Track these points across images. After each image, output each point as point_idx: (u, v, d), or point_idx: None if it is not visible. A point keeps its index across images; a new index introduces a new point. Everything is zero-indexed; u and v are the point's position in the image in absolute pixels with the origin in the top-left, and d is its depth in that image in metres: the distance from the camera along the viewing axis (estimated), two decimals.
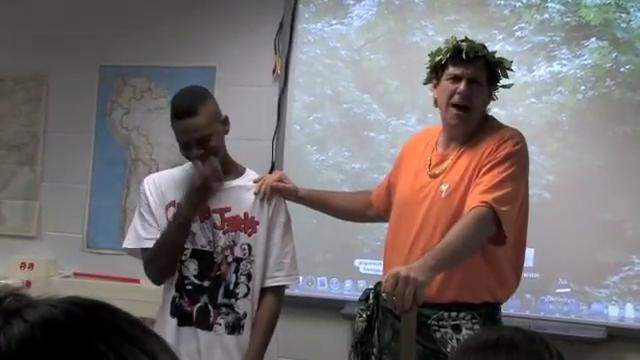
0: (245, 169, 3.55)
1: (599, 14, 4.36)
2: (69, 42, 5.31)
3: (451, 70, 3.25)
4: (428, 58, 3.38)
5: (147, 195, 3.46)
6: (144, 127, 5.17)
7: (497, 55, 3.38)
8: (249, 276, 3.39)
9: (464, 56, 3.22)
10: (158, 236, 3.39)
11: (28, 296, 0.77)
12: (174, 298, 3.41)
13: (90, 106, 5.27)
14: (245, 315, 3.39)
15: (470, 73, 3.23)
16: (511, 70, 3.39)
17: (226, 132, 3.40)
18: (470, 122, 3.27)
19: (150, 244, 3.42)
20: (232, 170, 3.50)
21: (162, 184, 3.48)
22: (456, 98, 3.22)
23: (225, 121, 3.38)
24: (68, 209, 5.26)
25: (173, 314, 3.40)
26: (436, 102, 3.37)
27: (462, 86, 3.21)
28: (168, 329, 3.34)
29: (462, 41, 3.28)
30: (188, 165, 3.55)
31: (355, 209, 3.75)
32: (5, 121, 5.44)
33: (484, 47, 3.32)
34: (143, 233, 3.45)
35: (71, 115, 5.30)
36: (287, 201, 3.58)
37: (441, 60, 3.27)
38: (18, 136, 5.41)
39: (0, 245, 5.31)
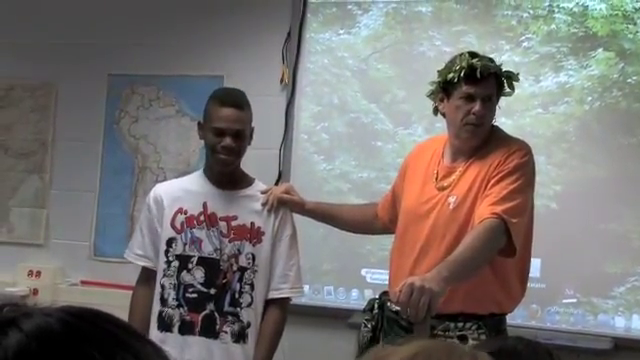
0: (254, 179, 3.57)
1: (606, 25, 4.36)
2: (78, 51, 5.32)
3: (465, 89, 3.21)
4: (435, 69, 3.36)
5: (151, 207, 3.52)
6: (152, 135, 5.18)
7: (503, 66, 3.38)
8: (252, 286, 3.41)
9: (479, 75, 3.21)
10: (151, 254, 3.49)
11: (25, 305, 0.78)
12: (160, 312, 3.44)
13: (98, 114, 5.28)
14: (249, 324, 3.40)
15: (484, 92, 3.21)
16: (517, 81, 3.38)
17: (249, 143, 3.47)
18: (481, 136, 3.27)
19: (142, 262, 3.53)
20: (241, 180, 3.53)
21: (169, 193, 3.52)
22: (472, 118, 3.20)
23: (251, 132, 3.45)
24: (76, 217, 5.27)
25: (160, 328, 3.43)
26: (436, 110, 3.36)
27: (478, 106, 3.19)
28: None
29: (472, 57, 3.24)
30: (195, 174, 3.60)
31: (362, 222, 3.75)
32: (14, 129, 5.46)
33: (492, 61, 3.31)
34: (138, 250, 3.55)
35: (79, 123, 5.32)
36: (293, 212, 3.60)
37: (453, 78, 3.25)
38: (27, 144, 5.43)
39: (8, 253, 5.32)
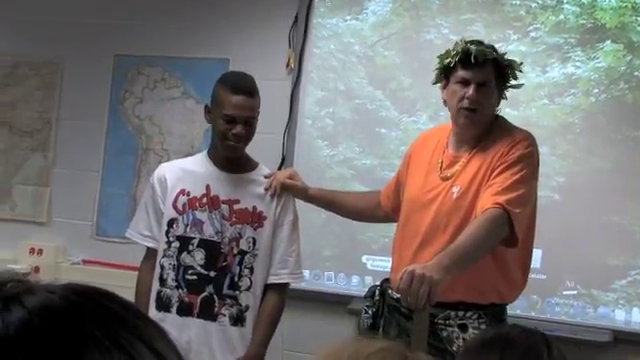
0: (258, 164, 3.58)
1: (615, 17, 4.35)
2: (85, 30, 5.32)
3: (460, 74, 3.23)
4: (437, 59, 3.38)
5: (155, 187, 3.51)
6: (157, 117, 5.18)
7: (510, 56, 3.37)
8: (252, 270, 3.42)
9: (473, 60, 3.21)
10: (157, 235, 3.48)
11: (28, 282, 0.78)
12: (159, 292, 3.44)
13: (103, 94, 5.28)
14: (247, 308, 3.41)
15: (479, 77, 3.22)
16: (521, 72, 3.38)
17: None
18: (479, 124, 3.26)
19: (149, 242, 3.53)
20: (245, 163, 3.54)
21: (173, 174, 3.52)
22: (465, 102, 3.21)
23: (257, 116, 3.46)
24: (79, 196, 5.28)
25: (159, 308, 3.43)
26: (446, 102, 3.37)
27: (471, 91, 3.20)
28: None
29: (471, 43, 3.26)
30: (199, 156, 3.61)
31: (364, 209, 3.75)
32: (19, 107, 5.46)
33: (494, 49, 3.30)
34: (145, 230, 3.54)
35: (84, 103, 5.32)
36: (296, 198, 3.60)
37: (450, 63, 3.26)
38: (31, 122, 5.43)
39: (10, 230, 5.33)
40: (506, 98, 3.37)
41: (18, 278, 0.78)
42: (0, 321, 0.72)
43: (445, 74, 3.31)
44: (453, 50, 3.28)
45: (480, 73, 3.22)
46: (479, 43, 3.29)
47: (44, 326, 0.72)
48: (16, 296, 0.74)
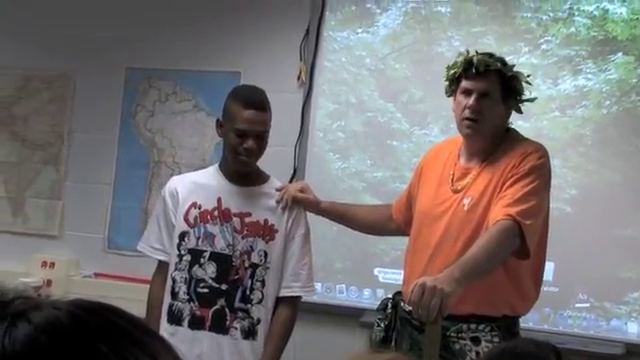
0: (269, 176, 3.57)
1: (626, 29, 4.34)
2: (96, 43, 5.34)
3: (464, 84, 3.24)
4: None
5: (167, 200, 3.51)
6: (168, 130, 5.19)
7: (521, 68, 3.36)
8: (263, 283, 3.41)
9: (474, 70, 3.21)
10: (169, 248, 3.48)
11: (35, 298, 0.78)
12: (170, 305, 3.44)
13: (115, 107, 5.30)
14: (259, 321, 3.41)
15: (481, 87, 3.21)
16: (529, 84, 3.36)
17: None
18: (483, 134, 3.25)
19: (160, 255, 3.52)
20: (257, 176, 3.53)
21: (184, 187, 3.52)
22: (467, 112, 3.20)
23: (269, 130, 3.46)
24: (90, 209, 5.29)
25: (170, 321, 3.43)
26: None
27: (471, 101, 3.19)
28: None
29: (476, 54, 3.26)
30: (211, 169, 3.61)
31: (376, 223, 3.74)
32: (31, 120, 5.48)
33: (500, 61, 3.28)
34: (156, 244, 3.54)
35: (96, 116, 5.34)
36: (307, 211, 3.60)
37: (455, 73, 3.27)
38: (43, 135, 5.45)
39: (22, 243, 5.35)
40: (521, 112, 3.36)
41: (26, 295, 0.78)
42: (7, 337, 0.72)
43: (452, 85, 3.31)
44: (458, 61, 3.28)
45: (482, 83, 3.21)
46: (484, 54, 3.28)
47: (50, 342, 0.72)
48: (23, 312, 0.75)
